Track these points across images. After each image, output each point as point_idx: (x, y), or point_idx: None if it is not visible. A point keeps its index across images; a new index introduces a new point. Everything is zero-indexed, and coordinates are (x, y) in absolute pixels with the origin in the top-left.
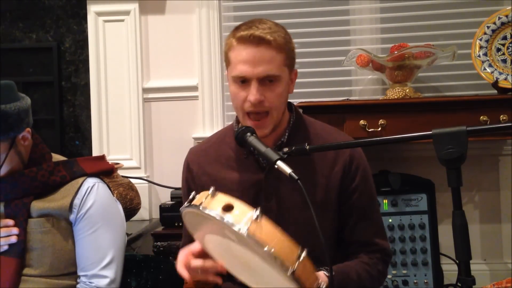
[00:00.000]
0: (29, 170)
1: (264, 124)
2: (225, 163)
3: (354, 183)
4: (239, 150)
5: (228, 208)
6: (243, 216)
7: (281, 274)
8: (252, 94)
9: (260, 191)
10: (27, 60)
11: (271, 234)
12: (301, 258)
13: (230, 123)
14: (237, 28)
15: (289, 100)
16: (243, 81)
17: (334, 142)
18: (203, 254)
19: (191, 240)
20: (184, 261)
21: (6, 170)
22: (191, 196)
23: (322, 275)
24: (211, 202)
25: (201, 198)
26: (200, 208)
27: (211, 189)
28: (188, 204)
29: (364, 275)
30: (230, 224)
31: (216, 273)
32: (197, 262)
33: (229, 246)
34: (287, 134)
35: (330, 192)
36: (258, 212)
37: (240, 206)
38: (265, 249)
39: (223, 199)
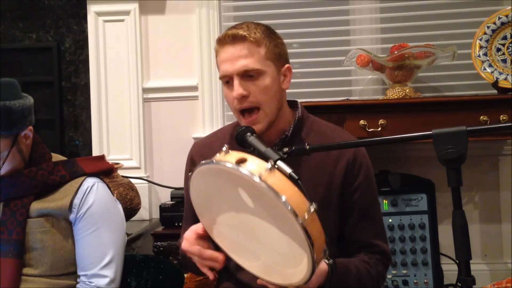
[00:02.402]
0: (29, 170)
1: (257, 119)
2: None
3: (356, 182)
4: None
5: (242, 161)
6: (257, 167)
7: (289, 230)
8: (235, 89)
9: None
10: (27, 60)
11: (284, 184)
12: (311, 210)
13: (230, 123)
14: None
15: (293, 99)
16: (229, 82)
17: (337, 140)
18: (207, 236)
19: (191, 223)
20: (190, 239)
21: (7, 168)
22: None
23: (322, 263)
24: (225, 157)
25: (214, 156)
26: (214, 161)
27: (224, 147)
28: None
29: (363, 272)
30: (245, 172)
31: (211, 267)
32: (195, 248)
33: (237, 214)
34: (291, 128)
35: (332, 190)
36: (271, 163)
37: (253, 159)
38: (278, 195)
39: (236, 154)
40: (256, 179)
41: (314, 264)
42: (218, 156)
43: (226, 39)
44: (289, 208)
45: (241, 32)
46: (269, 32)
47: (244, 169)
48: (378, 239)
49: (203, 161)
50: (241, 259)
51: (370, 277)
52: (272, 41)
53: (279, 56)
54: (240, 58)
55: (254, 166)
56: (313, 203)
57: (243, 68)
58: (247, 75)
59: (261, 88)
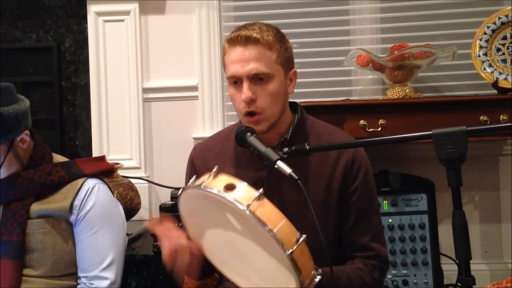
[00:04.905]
0: (26, 172)
1: (259, 120)
2: (229, 160)
3: (355, 184)
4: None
5: (230, 187)
6: (246, 195)
7: (278, 257)
8: (244, 92)
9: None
10: (27, 60)
11: (272, 214)
12: (300, 241)
13: (230, 123)
14: (230, 33)
15: (293, 100)
16: (237, 82)
17: (336, 142)
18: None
19: None
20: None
21: (5, 173)
22: (191, 181)
23: None
24: (213, 182)
25: (203, 178)
26: (201, 186)
27: (215, 168)
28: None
29: (356, 280)
30: (232, 201)
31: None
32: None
33: (226, 236)
34: (290, 131)
35: (331, 192)
36: (260, 192)
37: (242, 186)
38: (266, 227)
39: (225, 179)
40: (245, 209)
41: None
42: (206, 180)
43: (238, 40)
44: (277, 240)
45: (254, 34)
46: (280, 36)
47: (231, 197)
48: (375, 242)
49: (190, 183)
50: (235, 278)
51: (364, 284)
52: (282, 45)
53: (288, 61)
54: (252, 61)
55: (242, 193)
56: (303, 235)
57: (253, 71)
58: (256, 78)
59: (268, 93)
